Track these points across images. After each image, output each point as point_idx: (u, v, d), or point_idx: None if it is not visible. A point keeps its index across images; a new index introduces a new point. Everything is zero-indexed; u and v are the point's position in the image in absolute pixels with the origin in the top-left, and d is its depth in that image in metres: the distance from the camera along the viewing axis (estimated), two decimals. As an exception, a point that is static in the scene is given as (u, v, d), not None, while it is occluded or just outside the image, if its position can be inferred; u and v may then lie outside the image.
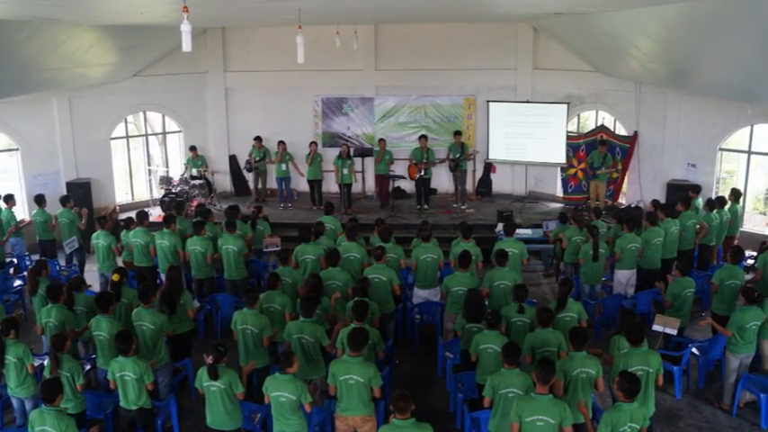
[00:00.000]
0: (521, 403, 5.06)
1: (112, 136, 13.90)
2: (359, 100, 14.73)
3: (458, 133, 13.50)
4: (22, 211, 12.13)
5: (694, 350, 7.54)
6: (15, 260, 10.50)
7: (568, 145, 13.39)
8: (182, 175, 13.75)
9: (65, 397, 5.49)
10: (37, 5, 6.66)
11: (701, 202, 10.69)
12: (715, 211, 9.91)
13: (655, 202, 10.26)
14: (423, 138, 13.41)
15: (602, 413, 5.17)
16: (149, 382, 5.89)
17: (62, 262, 10.74)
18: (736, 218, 10.35)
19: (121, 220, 10.11)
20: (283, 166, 13.60)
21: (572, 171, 13.59)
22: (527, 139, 13.70)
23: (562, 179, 13.91)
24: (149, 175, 14.54)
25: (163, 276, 8.76)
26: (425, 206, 13.45)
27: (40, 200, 10.53)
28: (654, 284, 8.41)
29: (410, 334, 8.69)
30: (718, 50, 8.15)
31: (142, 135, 14.90)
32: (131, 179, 14.56)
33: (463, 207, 13.40)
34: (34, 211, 10.64)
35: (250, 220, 9.92)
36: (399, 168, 13.79)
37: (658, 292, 8.22)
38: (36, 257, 10.05)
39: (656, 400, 5.96)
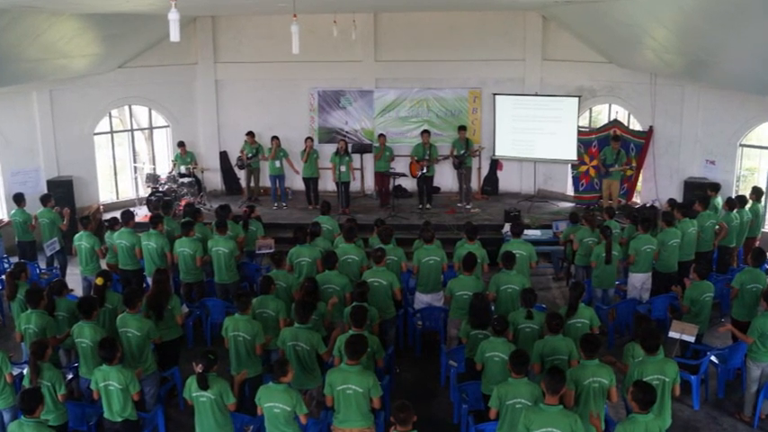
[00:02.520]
0: (529, 415, 5.06)
1: (96, 131, 13.89)
2: (357, 93, 14.73)
3: (462, 128, 13.49)
4: (0, 211, 12.13)
5: (713, 358, 7.54)
6: (-7, 263, 10.51)
7: (580, 141, 13.40)
8: (169, 173, 13.75)
9: (45, 408, 5.48)
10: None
11: (720, 201, 10.69)
12: (735, 210, 9.91)
13: (671, 202, 10.25)
14: (425, 133, 13.41)
15: (615, 425, 5.18)
16: (135, 392, 5.88)
17: (42, 264, 10.74)
18: (758, 218, 10.36)
19: (105, 221, 10.10)
20: (277, 164, 13.60)
21: (583, 168, 13.59)
22: (536, 135, 13.70)
23: (573, 177, 13.91)
24: (135, 172, 14.54)
25: (149, 280, 8.75)
26: (428, 206, 13.45)
27: (19, 199, 10.53)
28: (670, 288, 8.42)
29: (412, 341, 8.70)
30: (738, 40, 8.15)
31: (127, 130, 14.91)
32: (116, 177, 14.56)
33: (468, 207, 13.41)
34: (13, 211, 10.64)
35: (242, 220, 9.92)
36: (400, 166, 13.78)
37: (675, 297, 8.23)
38: (15, 260, 10.05)
39: (672, 412, 5.96)
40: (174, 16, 5.53)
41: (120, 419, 5.91)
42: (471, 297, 7.05)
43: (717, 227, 9.74)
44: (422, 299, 8.45)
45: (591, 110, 14.40)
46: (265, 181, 14.30)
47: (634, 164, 12.92)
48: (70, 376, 7.03)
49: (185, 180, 13.45)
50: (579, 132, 13.42)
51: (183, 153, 13.85)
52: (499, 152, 14.20)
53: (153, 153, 15.21)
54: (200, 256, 8.87)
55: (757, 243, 10.11)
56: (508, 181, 14.71)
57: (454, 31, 14.19)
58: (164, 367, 7.22)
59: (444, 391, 7.65)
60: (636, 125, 13.40)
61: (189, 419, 5.99)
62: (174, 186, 13.16)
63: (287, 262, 8.20)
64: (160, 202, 11.51)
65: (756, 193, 10.38)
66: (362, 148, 14.30)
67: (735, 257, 10.28)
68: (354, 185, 14.24)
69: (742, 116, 11.58)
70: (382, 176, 13.66)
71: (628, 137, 13.03)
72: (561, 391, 5.07)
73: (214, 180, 15.20)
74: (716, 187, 11.01)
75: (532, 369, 6.07)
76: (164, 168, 14.54)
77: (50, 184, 12.64)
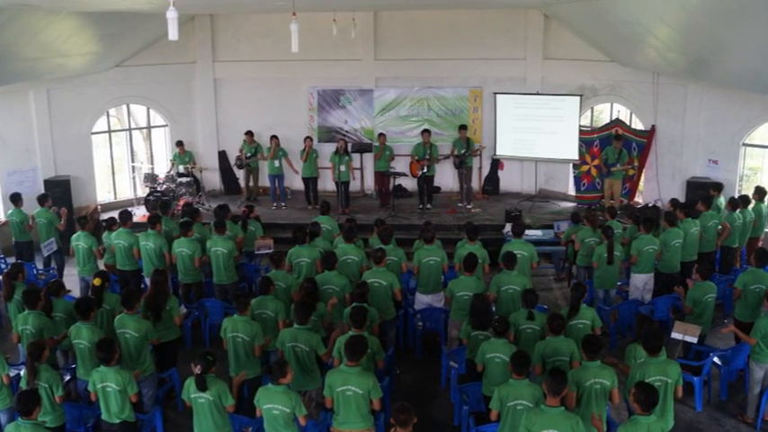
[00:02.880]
0: (530, 416, 5.06)
1: (94, 130, 13.89)
2: (357, 92, 14.73)
3: (463, 128, 13.49)
4: (-3, 211, 12.14)
5: (716, 359, 7.53)
6: (-10, 263, 10.51)
7: (581, 140, 13.40)
8: (168, 173, 13.75)
9: (43, 409, 5.48)
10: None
11: (723, 201, 10.68)
12: (738, 210, 9.90)
13: (674, 202, 10.26)
14: (425, 132, 13.41)
15: (617, 427, 5.18)
16: (133, 393, 5.88)
17: (40, 265, 10.75)
18: (761, 218, 10.34)
19: (103, 221, 10.12)
20: (276, 163, 13.60)
21: (585, 168, 13.59)
22: (537, 134, 13.70)
23: (574, 177, 13.91)
24: (133, 172, 14.53)
25: (147, 280, 8.76)
26: (428, 206, 13.45)
27: (16, 199, 10.52)
28: (673, 289, 8.41)
29: (412, 342, 8.70)
30: (741, 39, 8.15)
31: (125, 129, 14.89)
32: (114, 177, 14.55)
33: (469, 206, 13.41)
34: (10, 211, 10.63)
35: (241, 220, 9.92)
36: (400, 165, 13.79)
37: (677, 298, 8.22)
38: (12, 260, 10.05)
39: (675, 413, 5.95)
40: (172, 15, 5.54)
41: (117, 421, 5.90)
42: (472, 298, 7.05)
43: (719, 227, 9.74)
44: (422, 299, 8.44)
45: (593, 109, 14.40)
46: (264, 181, 14.29)
47: (636, 163, 12.92)
48: (68, 377, 7.03)
49: (184, 180, 13.44)
50: (581, 131, 13.42)
51: (182, 152, 13.86)
52: (500, 151, 14.19)
53: (151, 152, 15.20)
54: (198, 257, 8.86)
55: (760, 243, 10.11)
56: (509, 181, 14.71)
57: (455, 29, 14.19)
58: (162, 368, 7.22)
59: (445, 393, 7.65)
60: (638, 124, 13.40)
61: (187, 421, 5.99)
62: (173, 186, 13.15)
63: (286, 262, 8.19)
64: (158, 201, 11.52)
65: (759, 192, 10.36)
66: (362, 148, 14.29)
67: (738, 258, 10.28)
68: (354, 185, 14.24)
69: (745, 115, 11.58)
70: (382, 176, 13.66)
71: (630, 136, 13.03)
72: (563, 392, 5.08)
73: (213, 180, 15.19)
74: (719, 187, 11.01)
75: (534, 370, 6.06)
76: (162, 168, 14.54)
77: (48, 183, 12.63)
